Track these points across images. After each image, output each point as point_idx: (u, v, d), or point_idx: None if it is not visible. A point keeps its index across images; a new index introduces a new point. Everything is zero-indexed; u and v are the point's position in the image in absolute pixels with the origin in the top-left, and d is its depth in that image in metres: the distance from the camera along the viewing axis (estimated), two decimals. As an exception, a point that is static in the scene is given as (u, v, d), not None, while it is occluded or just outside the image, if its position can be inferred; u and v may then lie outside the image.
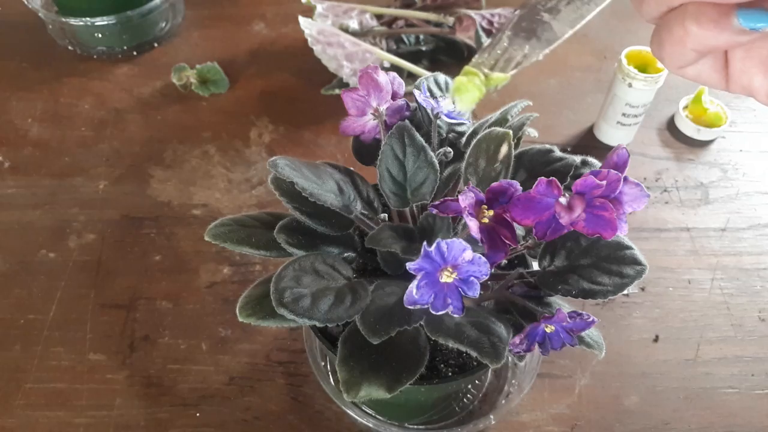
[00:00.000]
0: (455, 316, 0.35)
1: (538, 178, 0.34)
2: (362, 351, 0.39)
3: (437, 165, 0.43)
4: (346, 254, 0.45)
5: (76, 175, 0.76)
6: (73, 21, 0.86)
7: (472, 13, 0.89)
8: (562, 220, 0.34)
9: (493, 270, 0.35)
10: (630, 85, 0.73)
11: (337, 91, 0.83)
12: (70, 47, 0.91)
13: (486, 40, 0.86)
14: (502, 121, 0.47)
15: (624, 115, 0.77)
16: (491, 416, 0.53)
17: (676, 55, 0.26)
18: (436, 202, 0.36)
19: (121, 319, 0.63)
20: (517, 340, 0.37)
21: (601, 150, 0.80)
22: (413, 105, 0.46)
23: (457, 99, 0.23)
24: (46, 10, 0.88)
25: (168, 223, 0.71)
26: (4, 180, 0.75)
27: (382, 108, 0.44)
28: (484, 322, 0.39)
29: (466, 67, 0.23)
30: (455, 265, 0.34)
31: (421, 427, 0.57)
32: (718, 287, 0.68)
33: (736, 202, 0.76)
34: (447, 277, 0.34)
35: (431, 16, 0.89)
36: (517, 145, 0.46)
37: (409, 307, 0.35)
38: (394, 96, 0.44)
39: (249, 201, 0.74)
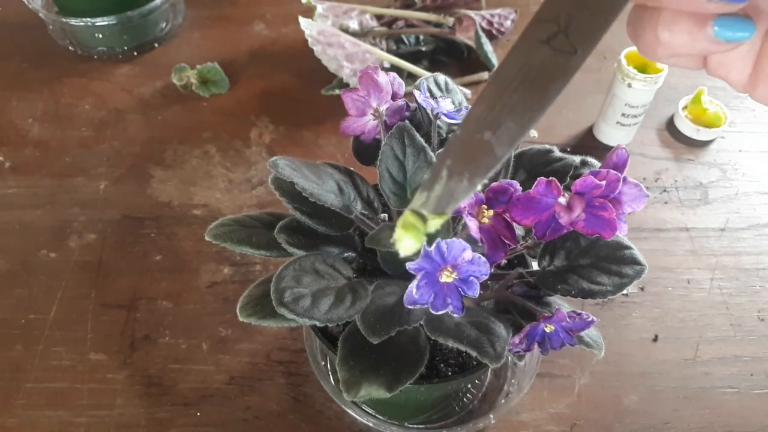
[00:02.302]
0: (455, 315, 0.35)
1: (538, 178, 0.34)
2: (362, 351, 0.39)
3: (437, 165, 0.43)
4: (346, 254, 0.45)
5: (77, 175, 0.76)
6: (73, 21, 0.86)
7: (472, 13, 0.89)
8: (562, 220, 0.34)
9: (492, 270, 0.35)
10: (629, 86, 0.73)
11: (337, 91, 0.84)
12: (70, 47, 0.91)
13: (486, 41, 0.86)
14: (501, 122, 0.47)
15: (623, 115, 0.77)
16: (491, 416, 0.53)
17: (648, 52, 0.25)
18: (436, 203, 0.36)
19: (122, 319, 0.63)
20: (516, 339, 0.38)
21: (600, 150, 0.80)
22: (413, 105, 0.46)
23: (397, 246, 0.22)
24: (47, 11, 0.88)
25: (168, 223, 0.71)
26: (5, 180, 0.76)
27: (382, 108, 0.44)
28: (484, 321, 0.39)
29: (407, 215, 0.22)
30: (455, 265, 0.34)
31: (421, 426, 0.57)
32: (718, 287, 0.68)
33: (736, 202, 0.76)
34: (447, 277, 0.34)
35: (431, 17, 0.89)
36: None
37: (409, 306, 0.35)
38: (394, 96, 0.44)
39: (249, 201, 0.74)
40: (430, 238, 0.41)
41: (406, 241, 0.22)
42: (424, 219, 0.22)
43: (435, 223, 0.22)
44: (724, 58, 0.25)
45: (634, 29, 0.25)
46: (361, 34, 0.85)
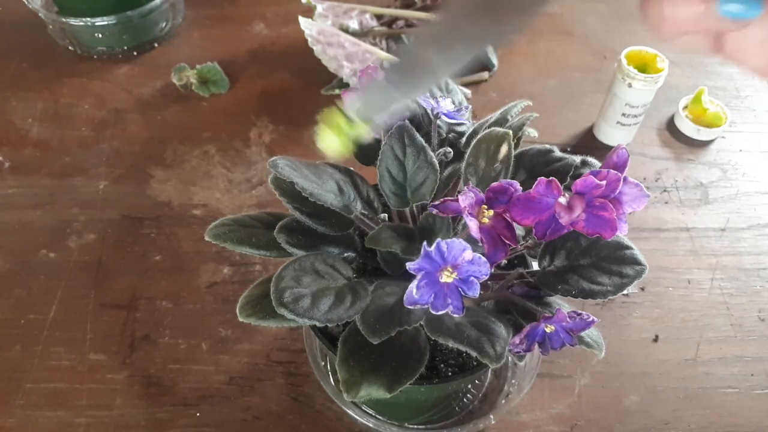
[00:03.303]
0: (455, 316, 0.35)
1: (538, 178, 0.34)
2: (362, 351, 0.39)
3: (437, 165, 0.43)
4: (346, 254, 0.45)
5: (77, 175, 0.76)
6: (73, 21, 0.86)
7: (472, 13, 0.89)
8: (562, 220, 0.34)
9: (493, 270, 0.35)
10: (630, 85, 0.73)
11: (337, 91, 0.83)
12: (70, 47, 0.91)
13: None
14: (502, 121, 0.47)
15: (624, 115, 0.77)
16: (491, 416, 0.53)
17: (656, 29, 0.25)
18: (436, 202, 0.36)
19: (122, 319, 0.63)
20: (517, 340, 0.38)
21: (601, 150, 0.80)
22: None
23: (319, 143, 0.22)
24: (47, 11, 0.88)
25: (168, 223, 0.71)
26: (5, 180, 0.76)
27: (382, 108, 0.44)
28: (484, 322, 0.39)
29: (333, 112, 0.22)
30: (455, 265, 0.34)
31: (421, 427, 0.57)
32: (718, 287, 0.68)
33: (736, 202, 0.76)
34: (447, 277, 0.34)
35: (431, 17, 0.89)
36: (517, 145, 0.46)
37: (409, 307, 0.35)
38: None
39: (249, 201, 0.74)
40: (430, 237, 0.41)
41: (328, 139, 0.22)
42: (350, 122, 0.22)
43: (360, 130, 0.22)
44: (742, 43, 0.24)
45: (642, 6, 0.25)
46: (361, 34, 0.85)
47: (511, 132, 0.42)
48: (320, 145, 0.22)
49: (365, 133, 0.22)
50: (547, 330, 0.38)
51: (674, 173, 0.79)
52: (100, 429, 0.56)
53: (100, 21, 0.85)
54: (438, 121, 0.45)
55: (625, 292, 0.60)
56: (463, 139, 0.47)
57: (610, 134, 0.80)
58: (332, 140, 0.22)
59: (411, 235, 0.42)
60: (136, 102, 0.85)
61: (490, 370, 0.59)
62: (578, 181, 0.33)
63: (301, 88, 0.87)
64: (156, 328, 0.63)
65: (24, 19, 0.94)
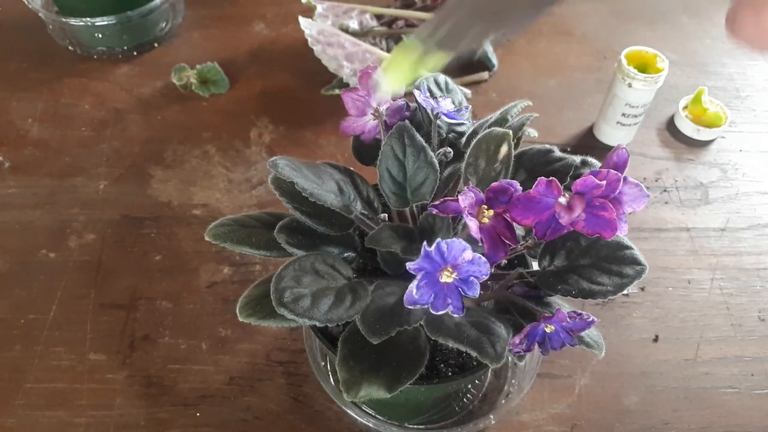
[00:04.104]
0: (455, 316, 0.35)
1: (538, 178, 0.34)
2: (362, 351, 0.39)
3: (437, 165, 0.43)
4: (346, 254, 0.45)
5: (77, 175, 0.76)
6: (73, 21, 0.86)
7: (472, 13, 0.89)
8: (562, 220, 0.34)
9: (493, 270, 0.35)
10: (630, 85, 0.73)
11: (337, 91, 0.83)
12: (70, 47, 0.91)
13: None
14: (502, 121, 0.47)
15: (624, 115, 0.77)
16: (491, 416, 0.53)
17: (755, 44, 0.24)
18: (436, 202, 0.36)
19: (122, 319, 0.63)
20: (517, 340, 0.38)
21: (601, 150, 0.80)
22: (413, 105, 0.46)
23: (385, 76, 0.21)
24: (46, 10, 0.88)
25: (168, 223, 0.71)
26: (5, 180, 0.76)
27: (382, 108, 0.44)
28: (484, 322, 0.39)
29: (406, 40, 0.21)
30: (455, 265, 0.34)
31: (421, 427, 0.57)
32: (718, 287, 0.68)
33: (736, 202, 0.76)
34: (447, 277, 0.34)
35: (431, 17, 0.89)
36: (517, 145, 0.46)
37: (409, 307, 0.35)
38: (394, 96, 0.44)
39: (249, 201, 0.74)
40: (430, 237, 0.41)
41: (396, 70, 0.21)
42: (417, 57, 0.21)
43: (435, 61, 0.21)
44: None
45: (734, 22, 0.24)
46: (361, 34, 0.85)
47: (511, 132, 0.42)
48: (387, 74, 0.22)
49: (440, 64, 0.22)
50: (547, 330, 0.38)
51: (674, 173, 0.79)
52: (100, 429, 0.56)
53: (100, 21, 0.85)
54: (438, 121, 0.45)
55: (625, 292, 0.60)
56: (463, 139, 0.47)
57: (610, 134, 0.80)
58: (400, 69, 0.21)
59: (411, 235, 0.42)
60: (136, 102, 0.85)
61: (490, 370, 0.59)
62: (578, 181, 0.33)
63: (301, 88, 0.87)
64: (156, 328, 0.63)
65: (24, 19, 0.94)
